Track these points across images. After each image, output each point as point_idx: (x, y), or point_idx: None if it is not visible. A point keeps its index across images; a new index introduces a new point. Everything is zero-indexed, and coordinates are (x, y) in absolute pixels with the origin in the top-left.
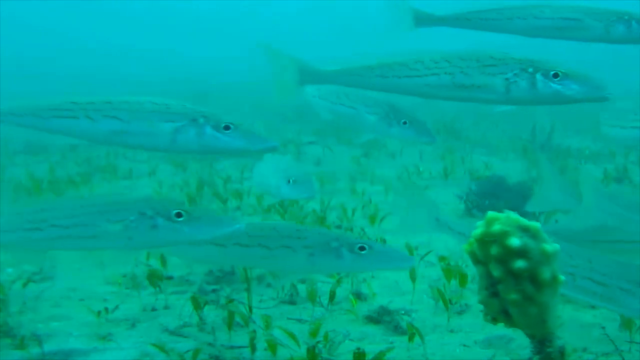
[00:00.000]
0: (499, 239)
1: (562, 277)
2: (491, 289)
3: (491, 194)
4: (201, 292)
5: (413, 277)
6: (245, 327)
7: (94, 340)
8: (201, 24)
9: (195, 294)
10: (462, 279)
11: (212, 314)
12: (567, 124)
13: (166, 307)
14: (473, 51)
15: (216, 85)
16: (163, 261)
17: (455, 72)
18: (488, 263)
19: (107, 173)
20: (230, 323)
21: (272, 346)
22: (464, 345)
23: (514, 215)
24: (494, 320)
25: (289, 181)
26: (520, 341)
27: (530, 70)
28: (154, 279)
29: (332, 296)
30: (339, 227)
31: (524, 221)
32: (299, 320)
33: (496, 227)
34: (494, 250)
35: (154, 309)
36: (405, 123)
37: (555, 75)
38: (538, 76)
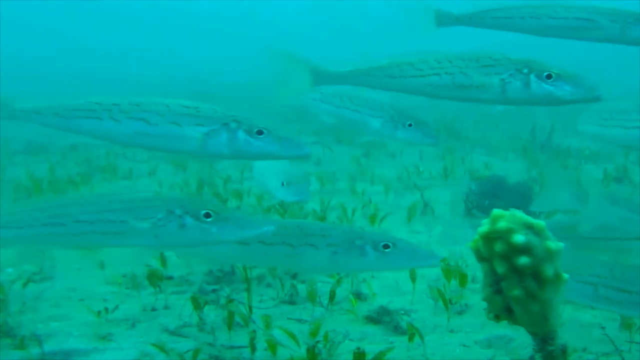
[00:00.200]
0: (503, 235)
1: (565, 275)
2: (495, 286)
3: (491, 194)
4: (201, 292)
5: (413, 277)
6: (245, 327)
7: (94, 340)
8: (201, 24)
9: (195, 294)
10: (462, 279)
11: (212, 314)
12: (567, 124)
13: (166, 307)
14: (474, 52)
15: (216, 85)
16: (163, 261)
17: (456, 72)
18: (492, 260)
19: (107, 173)
20: (230, 323)
21: (272, 346)
22: (464, 345)
23: (519, 213)
24: (497, 318)
25: (283, 183)
26: (520, 341)
27: (525, 71)
28: (154, 279)
29: (332, 296)
30: None
31: (529, 219)
32: (299, 320)
33: (501, 224)
34: (499, 246)
35: (154, 309)
36: (410, 125)
37: (549, 77)
38: (532, 77)
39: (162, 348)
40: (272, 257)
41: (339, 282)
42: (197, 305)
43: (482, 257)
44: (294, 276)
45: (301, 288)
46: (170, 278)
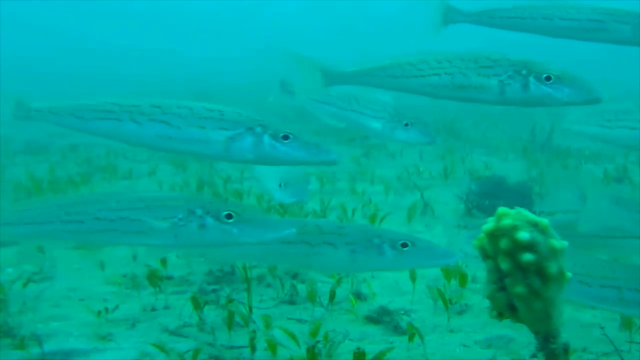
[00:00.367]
0: (508, 232)
1: (569, 274)
2: (499, 283)
3: (491, 194)
4: (201, 292)
5: (413, 277)
6: (245, 327)
7: (94, 340)
8: (201, 24)
9: (195, 294)
10: (462, 279)
11: (212, 314)
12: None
13: (166, 307)
14: (473, 52)
15: (216, 85)
16: (163, 261)
17: (455, 73)
18: (497, 257)
19: (107, 173)
20: (230, 323)
21: (272, 346)
22: (464, 345)
23: (524, 211)
24: (500, 316)
25: (281, 184)
26: (520, 341)
27: (524, 72)
28: (154, 279)
29: (332, 296)
30: None
31: (534, 217)
32: (299, 320)
33: (506, 222)
34: (503, 243)
35: (154, 309)
36: (407, 125)
37: (548, 78)
38: (531, 79)
39: (162, 348)
40: (290, 256)
41: (339, 282)
42: (197, 305)
43: (487, 255)
44: (294, 276)
45: (301, 288)
46: (170, 278)
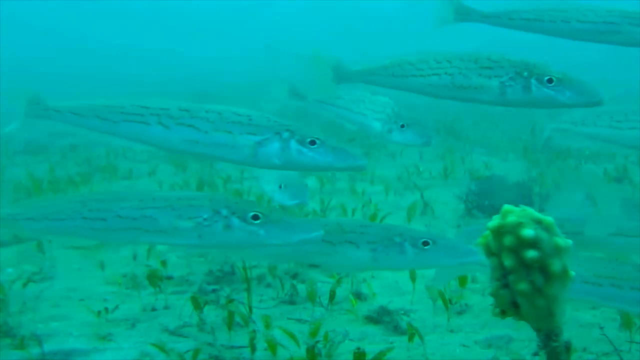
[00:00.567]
0: (513, 229)
1: (572, 272)
2: (502, 280)
3: (491, 194)
4: (201, 292)
5: (413, 277)
6: (245, 327)
7: (94, 340)
8: (201, 24)
9: (195, 294)
10: (462, 279)
11: (212, 314)
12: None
13: (166, 307)
14: (472, 52)
15: (216, 85)
16: (163, 261)
17: (455, 73)
18: (501, 254)
19: (107, 173)
20: (230, 323)
21: (272, 346)
22: (464, 346)
23: (529, 209)
24: (503, 314)
25: (280, 186)
26: (520, 341)
27: (525, 74)
28: (154, 279)
29: (332, 296)
30: None
31: (538, 215)
32: (299, 320)
33: (511, 219)
34: (508, 240)
35: (154, 309)
36: (402, 126)
37: (550, 81)
38: (532, 80)
39: (162, 348)
40: (311, 255)
41: (339, 282)
42: (197, 305)
43: (491, 252)
44: (294, 276)
45: (301, 288)
46: (170, 278)
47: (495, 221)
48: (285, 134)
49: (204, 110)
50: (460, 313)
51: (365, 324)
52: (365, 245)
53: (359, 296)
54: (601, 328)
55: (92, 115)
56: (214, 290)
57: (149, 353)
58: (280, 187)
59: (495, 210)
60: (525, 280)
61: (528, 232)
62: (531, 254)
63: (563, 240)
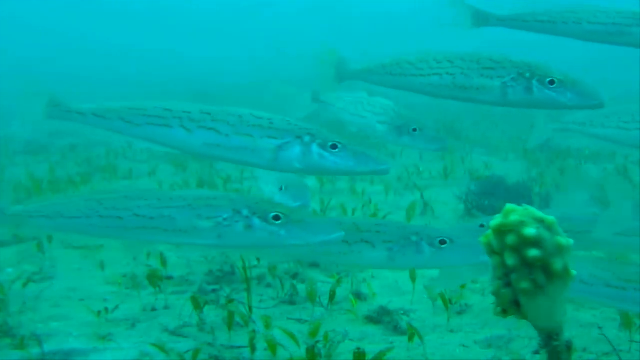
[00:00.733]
0: (515, 228)
1: (574, 272)
2: (504, 279)
3: (491, 194)
4: (201, 292)
5: (413, 277)
6: (245, 327)
7: (94, 340)
8: (201, 24)
9: (195, 294)
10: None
11: (212, 314)
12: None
13: (166, 307)
14: (474, 53)
15: (216, 85)
16: (163, 261)
17: (457, 73)
18: (503, 252)
19: (107, 173)
20: (230, 323)
21: (272, 346)
22: (464, 346)
23: (531, 208)
24: (504, 313)
25: (281, 188)
26: (520, 341)
27: (527, 75)
28: (154, 279)
29: (332, 296)
30: None
31: (541, 214)
32: (299, 320)
33: (514, 217)
34: (510, 239)
35: (154, 309)
36: (414, 130)
37: (551, 82)
38: (534, 82)
39: (162, 348)
40: (327, 255)
41: (339, 282)
42: (197, 305)
43: (493, 251)
44: (294, 276)
45: (301, 288)
46: (170, 278)
47: (497, 220)
48: (307, 138)
49: (225, 113)
50: (460, 313)
51: (365, 324)
52: (382, 244)
53: (359, 296)
54: (600, 328)
55: (115, 118)
56: (214, 290)
57: (149, 353)
58: (281, 189)
59: (495, 210)
60: (527, 279)
61: (530, 231)
62: (533, 252)
63: (565, 239)
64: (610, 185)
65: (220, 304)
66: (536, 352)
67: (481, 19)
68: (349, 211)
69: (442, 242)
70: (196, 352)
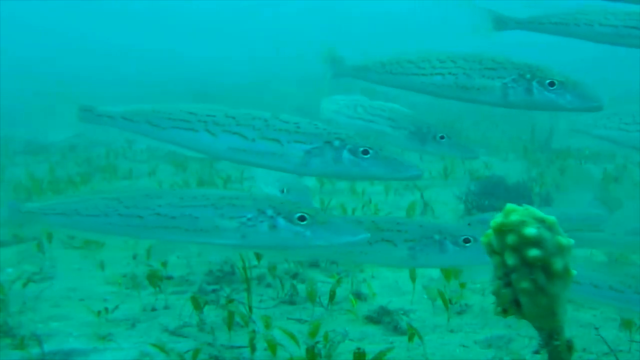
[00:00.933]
0: (515, 228)
1: (574, 272)
2: (504, 279)
3: (491, 194)
4: (201, 292)
5: (413, 277)
6: (245, 327)
7: (94, 340)
8: (201, 24)
9: (195, 294)
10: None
11: (212, 314)
12: (568, 124)
13: (166, 307)
14: (476, 53)
15: (216, 85)
16: (163, 261)
17: (459, 73)
18: (503, 252)
19: (107, 173)
20: (230, 323)
21: (272, 346)
22: (464, 346)
23: (531, 208)
24: (504, 312)
25: (282, 191)
26: (520, 341)
27: (528, 76)
28: (154, 279)
29: (332, 296)
30: None
31: (541, 214)
32: (299, 320)
33: (514, 217)
34: (510, 239)
35: (154, 309)
36: (442, 137)
37: (551, 84)
38: (534, 83)
39: (162, 348)
40: (349, 253)
41: (339, 282)
42: (197, 305)
43: (494, 251)
44: (294, 276)
45: (301, 288)
46: (170, 278)
47: (498, 219)
48: (336, 143)
49: (251, 117)
50: (460, 313)
51: (365, 324)
52: (403, 244)
53: (359, 296)
54: (596, 329)
55: (142, 121)
56: (214, 290)
57: (149, 353)
58: (282, 191)
59: (495, 210)
60: (528, 279)
61: (531, 230)
62: (534, 252)
63: (565, 239)
64: (621, 186)
65: (220, 304)
66: (536, 352)
67: (501, 23)
68: (349, 211)
69: (466, 241)
70: (196, 352)
